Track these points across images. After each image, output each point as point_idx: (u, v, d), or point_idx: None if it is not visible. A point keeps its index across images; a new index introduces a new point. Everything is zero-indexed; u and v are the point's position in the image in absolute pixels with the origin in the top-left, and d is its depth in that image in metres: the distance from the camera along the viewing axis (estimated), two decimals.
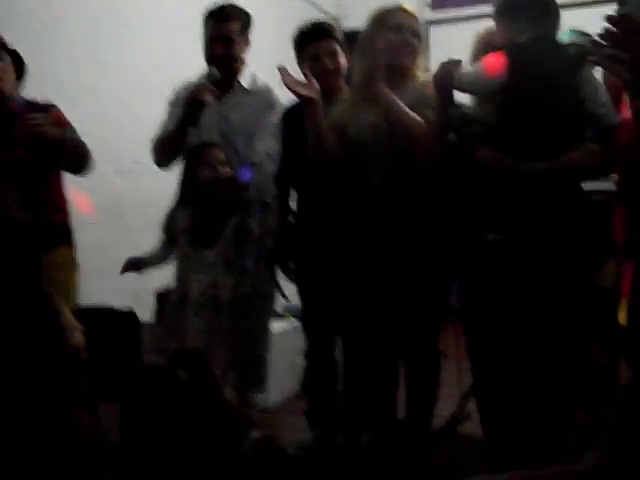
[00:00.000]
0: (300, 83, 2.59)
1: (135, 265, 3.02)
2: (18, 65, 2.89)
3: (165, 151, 3.03)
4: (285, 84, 2.58)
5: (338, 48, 2.97)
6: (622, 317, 3.20)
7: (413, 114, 2.56)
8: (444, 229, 2.68)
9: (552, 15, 2.48)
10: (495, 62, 2.42)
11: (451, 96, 2.47)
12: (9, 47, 2.87)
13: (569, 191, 2.46)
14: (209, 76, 2.93)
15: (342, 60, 2.96)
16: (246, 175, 2.89)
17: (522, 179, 2.39)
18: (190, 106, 2.84)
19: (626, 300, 3.14)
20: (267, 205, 3.00)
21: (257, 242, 2.94)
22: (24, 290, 2.27)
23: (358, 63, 2.71)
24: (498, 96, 2.46)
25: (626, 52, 1.79)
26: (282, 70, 2.56)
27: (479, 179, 2.52)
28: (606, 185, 2.67)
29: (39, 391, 1.82)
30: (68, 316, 1.98)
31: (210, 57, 3.03)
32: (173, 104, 3.11)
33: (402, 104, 2.57)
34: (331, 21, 3.10)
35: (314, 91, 2.59)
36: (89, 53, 3.85)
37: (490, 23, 2.74)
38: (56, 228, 2.99)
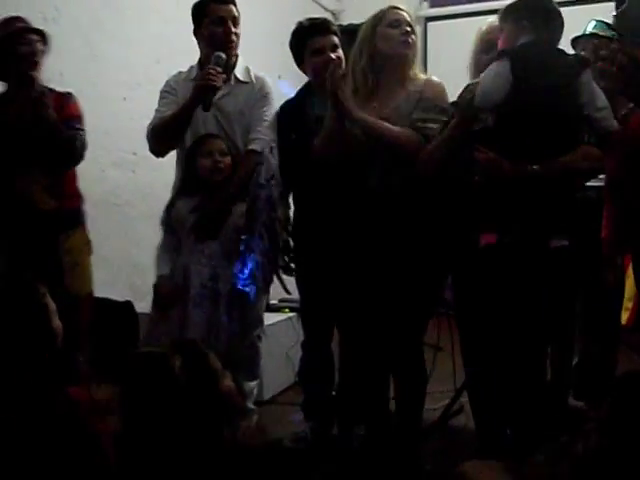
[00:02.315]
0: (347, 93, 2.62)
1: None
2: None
3: (166, 137, 3.01)
4: (332, 83, 2.60)
5: (338, 42, 3.01)
6: (625, 318, 3.24)
7: (399, 130, 2.60)
8: (438, 227, 2.71)
9: (554, 21, 2.51)
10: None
11: (472, 123, 2.49)
12: (35, 28, 2.98)
13: (565, 192, 2.48)
14: (218, 60, 2.90)
15: (342, 54, 2.99)
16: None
17: (519, 180, 2.40)
18: (201, 91, 2.85)
19: (629, 301, 3.19)
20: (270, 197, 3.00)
21: (260, 234, 2.95)
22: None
23: (358, 63, 2.73)
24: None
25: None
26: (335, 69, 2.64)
27: (476, 178, 2.53)
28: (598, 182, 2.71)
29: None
30: (49, 300, 2.00)
31: (216, 38, 2.98)
32: (167, 92, 3.09)
33: (379, 122, 2.60)
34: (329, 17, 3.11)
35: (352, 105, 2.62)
36: (89, 46, 3.86)
37: (490, 19, 2.76)
38: (74, 212, 3.14)
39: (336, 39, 3.00)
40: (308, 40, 3.00)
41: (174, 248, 2.96)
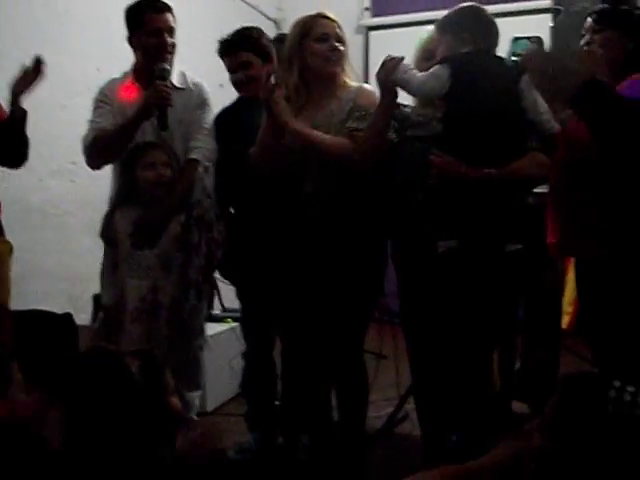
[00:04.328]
0: (287, 109, 2.62)
1: None
2: None
3: (108, 151, 2.94)
4: (266, 94, 2.60)
5: (253, 59, 3.03)
6: (565, 322, 3.31)
7: (330, 139, 2.60)
8: (377, 233, 2.73)
9: (491, 31, 2.55)
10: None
11: (396, 94, 2.51)
12: None
13: (517, 198, 2.52)
14: (164, 73, 2.86)
15: (260, 71, 3.01)
16: None
17: (475, 184, 2.43)
18: (155, 108, 2.82)
19: (570, 306, 3.26)
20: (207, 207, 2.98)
21: (197, 245, 2.92)
22: None
23: (288, 73, 2.71)
24: (444, 104, 2.50)
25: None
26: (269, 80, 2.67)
27: (430, 182, 2.54)
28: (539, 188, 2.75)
29: None
30: None
31: (152, 49, 2.92)
32: (101, 102, 3.00)
33: (314, 132, 2.60)
34: (252, 29, 3.11)
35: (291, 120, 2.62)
36: (26, 52, 3.77)
37: (430, 27, 2.79)
38: None
39: (250, 56, 3.02)
40: (224, 57, 3.08)
41: (113, 263, 2.89)
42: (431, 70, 2.49)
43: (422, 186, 2.57)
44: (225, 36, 3.10)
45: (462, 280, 2.45)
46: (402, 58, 2.46)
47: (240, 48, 3.03)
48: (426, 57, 2.78)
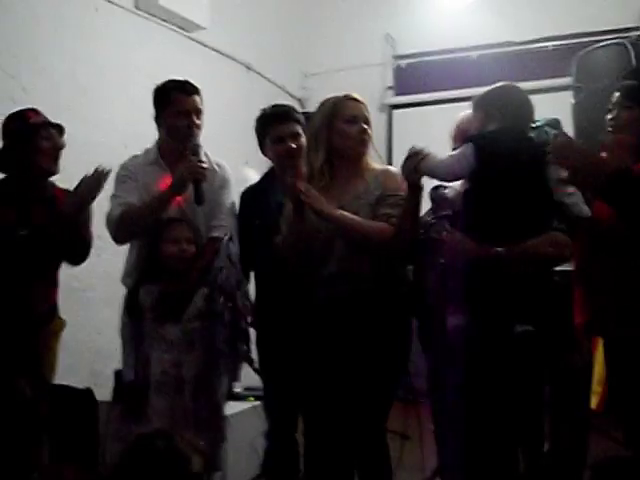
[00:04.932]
0: (320, 197, 2.61)
1: None
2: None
3: (137, 225, 2.97)
4: (291, 189, 2.61)
5: (300, 130, 3.04)
6: (594, 402, 3.22)
7: (369, 223, 2.61)
8: (402, 312, 2.71)
9: (523, 109, 2.56)
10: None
11: (420, 188, 2.52)
12: (54, 122, 2.98)
13: (531, 277, 2.47)
14: (196, 149, 2.93)
15: (304, 142, 3.00)
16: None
17: (484, 263, 2.41)
18: (190, 183, 2.87)
19: (598, 385, 3.18)
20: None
21: (221, 314, 2.90)
22: None
23: (314, 152, 2.74)
24: (467, 181, 2.51)
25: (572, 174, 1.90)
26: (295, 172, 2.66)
27: (442, 261, 2.53)
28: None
29: None
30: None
31: (179, 130, 3.00)
32: (126, 177, 3.06)
33: (353, 217, 2.60)
34: (291, 104, 3.16)
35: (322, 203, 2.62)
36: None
37: (467, 110, 2.82)
38: (55, 306, 3.09)
39: (298, 127, 3.04)
40: (270, 127, 3.03)
41: (136, 337, 2.88)
42: (457, 150, 2.51)
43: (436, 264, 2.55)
44: (267, 108, 3.12)
45: (474, 360, 2.40)
46: (427, 153, 2.46)
47: (293, 119, 3.06)
48: (460, 138, 2.80)
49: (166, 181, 2.96)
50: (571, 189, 2.43)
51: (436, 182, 2.74)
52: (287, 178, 2.66)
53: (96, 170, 2.89)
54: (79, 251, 3.04)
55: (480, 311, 2.40)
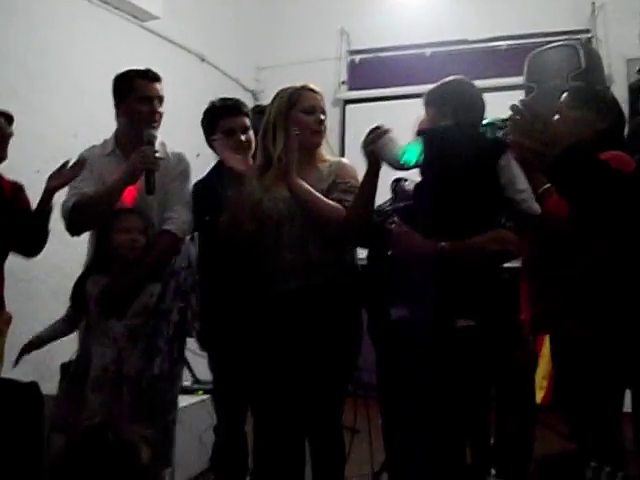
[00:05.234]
0: (235, 157, 2.63)
1: (35, 346, 2.90)
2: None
3: (91, 215, 2.91)
4: (222, 154, 2.62)
5: (249, 124, 3.04)
6: (540, 396, 3.28)
7: (326, 200, 2.61)
8: (353, 304, 2.71)
9: (476, 105, 2.57)
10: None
11: (377, 164, 2.51)
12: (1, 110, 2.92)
13: (474, 273, 2.49)
14: (151, 138, 2.90)
15: (252, 135, 3.02)
16: None
17: (428, 256, 2.42)
18: (142, 173, 2.83)
19: (544, 380, 3.23)
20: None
21: (168, 313, 2.87)
22: None
23: (270, 140, 2.73)
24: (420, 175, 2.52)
25: (528, 139, 1.88)
26: (218, 140, 2.67)
27: (389, 252, 2.54)
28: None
29: None
30: None
31: (142, 116, 2.96)
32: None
33: (314, 192, 2.61)
34: (239, 98, 3.16)
35: (247, 166, 2.65)
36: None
37: (418, 106, 2.83)
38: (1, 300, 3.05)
39: (247, 120, 3.04)
40: (219, 120, 3.01)
41: (80, 327, 2.84)
42: (407, 143, 2.51)
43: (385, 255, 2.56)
44: (216, 101, 3.10)
45: (415, 352, 2.42)
46: (387, 130, 2.47)
47: (243, 112, 3.06)
48: None
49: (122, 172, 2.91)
50: (522, 186, 2.46)
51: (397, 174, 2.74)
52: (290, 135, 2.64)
53: (65, 163, 2.89)
54: (38, 243, 3.00)
55: (423, 304, 2.41)
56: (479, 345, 2.41)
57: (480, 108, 2.58)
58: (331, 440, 2.74)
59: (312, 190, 2.62)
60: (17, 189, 3.01)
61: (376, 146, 2.46)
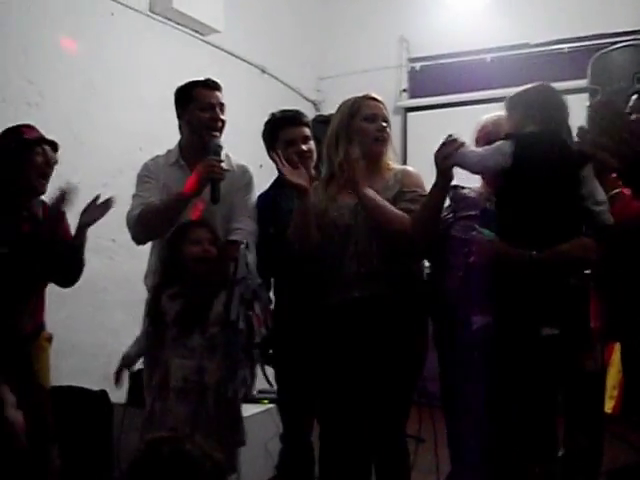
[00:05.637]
0: (295, 172, 2.65)
1: (128, 364, 2.93)
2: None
3: (156, 225, 2.94)
4: (280, 171, 2.64)
5: (310, 134, 3.06)
6: (611, 406, 3.19)
7: (394, 209, 2.61)
8: (419, 315, 2.70)
9: (562, 113, 2.54)
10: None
11: (451, 176, 2.50)
12: (48, 139, 2.96)
13: (559, 280, 2.46)
14: (217, 148, 2.93)
15: (313, 145, 3.03)
16: None
17: (517, 265, 2.39)
18: (208, 183, 2.86)
19: (614, 389, 3.15)
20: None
21: (237, 328, 2.87)
22: None
23: (334, 150, 2.75)
24: (501, 180, 2.49)
25: (608, 139, 1.83)
26: (278, 157, 2.66)
27: (472, 259, 2.52)
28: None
29: None
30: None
31: (203, 123, 2.99)
32: (147, 177, 3.05)
33: (382, 200, 2.61)
34: (299, 109, 3.18)
35: (306, 180, 2.65)
36: (71, 132, 3.88)
37: (480, 111, 2.81)
38: (42, 325, 3.05)
39: (307, 130, 3.05)
40: (280, 131, 3.03)
41: (158, 342, 2.85)
42: (495, 145, 2.48)
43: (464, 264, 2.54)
44: (277, 113, 3.12)
45: (497, 361, 2.39)
46: (462, 142, 2.45)
47: (303, 122, 3.08)
48: (479, 144, 2.78)
49: (188, 182, 2.93)
50: (601, 198, 2.42)
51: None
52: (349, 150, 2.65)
53: (96, 198, 2.95)
54: (73, 274, 3.06)
55: (508, 313, 2.39)
56: (560, 353, 2.39)
57: (565, 114, 2.54)
58: (395, 450, 2.72)
59: (380, 198, 2.61)
60: (58, 218, 3.00)
61: (459, 154, 2.44)
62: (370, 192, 2.62)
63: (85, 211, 2.96)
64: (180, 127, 3.11)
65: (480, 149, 2.52)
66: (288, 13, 6.10)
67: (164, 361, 2.79)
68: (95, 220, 2.97)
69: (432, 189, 2.55)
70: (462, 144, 2.45)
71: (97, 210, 2.96)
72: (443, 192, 2.55)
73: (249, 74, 5.56)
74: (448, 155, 2.43)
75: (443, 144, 2.46)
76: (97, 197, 2.96)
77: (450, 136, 2.47)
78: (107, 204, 2.96)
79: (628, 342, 2.36)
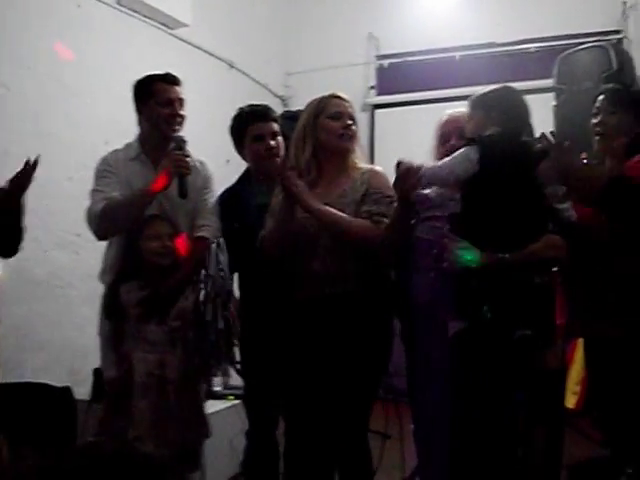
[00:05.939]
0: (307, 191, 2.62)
1: None
2: None
3: (119, 220, 2.90)
4: (282, 176, 2.61)
5: (278, 129, 3.05)
6: (573, 402, 3.23)
7: (350, 220, 2.61)
8: (384, 312, 2.71)
9: (523, 113, 2.56)
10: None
11: (413, 203, 2.52)
12: None
13: (528, 281, 2.48)
14: (181, 143, 2.92)
15: (282, 141, 3.03)
16: None
17: (489, 268, 2.41)
18: (174, 178, 2.85)
19: (577, 385, 3.19)
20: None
21: (212, 322, 2.87)
22: None
23: (301, 149, 2.74)
24: (468, 185, 2.50)
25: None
26: (285, 160, 2.69)
27: (445, 265, 2.53)
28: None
29: None
30: None
31: (163, 119, 2.97)
32: (107, 172, 3.00)
33: (336, 214, 2.60)
34: (268, 104, 3.17)
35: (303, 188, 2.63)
36: (36, 124, 3.83)
37: (446, 111, 2.82)
38: None
39: (276, 126, 3.05)
40: (248, 126, 3.02)
41: (117, 336, 2.84)
42: (460, 152, 2.49)
43: (436, 267, 2.55)
44: (245, 108, 3.11)
45: (470, 363, 2.41)
46: (419, 167, 2.44)
47: (272, 118, 3.07)
48: (441, 141, 2.80)
49: (158, 178, 2.90)
50: (562, 195, 2.45)
51: None
52: (278, 169, 2.66)
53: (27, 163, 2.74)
54: (14, 243, 2.83)
55: (482, 316, 2.40)
56: (529, 353, 2.42)
57: (526, 115, 2.57)
58: (357, 445, 2.73)
59: (335, 212, 2.61)
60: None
61: (426, 176, 2.44)
62: (320, 206, 2.61)
63: (15, 177, 2.74)
64: (139, 121, 3.07)
65: (445, 160, 2.52)
66: (256, 8, 6.08)
67: (126, 355, 2.77)
68: (27, 184, 2.73)
69: (396, 214, 2.56)
70: (419, 167, 2.44)
71: (26, 174, 2.74)
72: (406, 218, 2.57)
73: (217, 68, 5.53)
74: (413, 186, 2.44)
75: (400, 176, 2.45)
76: (27, 162, 2.73)
77: (399, 164, 2.45)
78: (34, 165, 2.72)
79: (591, 338, 2.39)
